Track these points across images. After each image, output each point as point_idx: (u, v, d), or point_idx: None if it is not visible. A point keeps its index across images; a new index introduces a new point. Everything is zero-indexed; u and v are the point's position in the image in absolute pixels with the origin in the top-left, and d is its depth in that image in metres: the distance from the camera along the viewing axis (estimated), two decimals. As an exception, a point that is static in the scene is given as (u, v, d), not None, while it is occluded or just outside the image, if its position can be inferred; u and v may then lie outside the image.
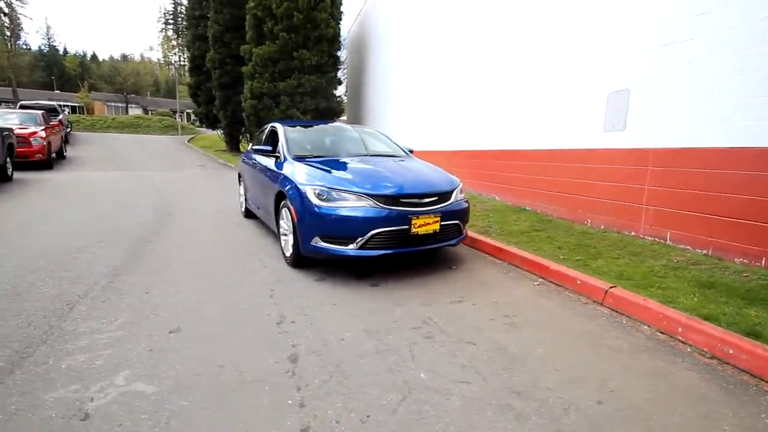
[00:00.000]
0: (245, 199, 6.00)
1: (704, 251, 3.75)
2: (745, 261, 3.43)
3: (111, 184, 9.47)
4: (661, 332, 2.55)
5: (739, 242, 3.49)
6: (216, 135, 23.54)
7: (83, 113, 39.64)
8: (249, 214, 6.02)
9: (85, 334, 2.49)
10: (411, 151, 5.08)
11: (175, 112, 41.59)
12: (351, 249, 3.29)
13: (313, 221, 3.38)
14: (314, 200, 3.38)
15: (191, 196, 8.17)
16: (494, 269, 3.84)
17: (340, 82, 15.92)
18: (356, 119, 16.18)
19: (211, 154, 19.33)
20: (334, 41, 15.43)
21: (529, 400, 1.89)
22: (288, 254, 3.84)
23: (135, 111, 44.21)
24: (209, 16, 18.65)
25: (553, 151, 5.54)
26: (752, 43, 3.36)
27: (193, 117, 49.58)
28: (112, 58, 56.24)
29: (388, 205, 3.31)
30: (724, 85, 3.60)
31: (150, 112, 43.95)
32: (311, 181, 3.54)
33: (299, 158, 4.16)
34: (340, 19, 15.61)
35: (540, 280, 3.51)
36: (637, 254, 3.92)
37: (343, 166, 3.92)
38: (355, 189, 3.36)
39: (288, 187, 3.71)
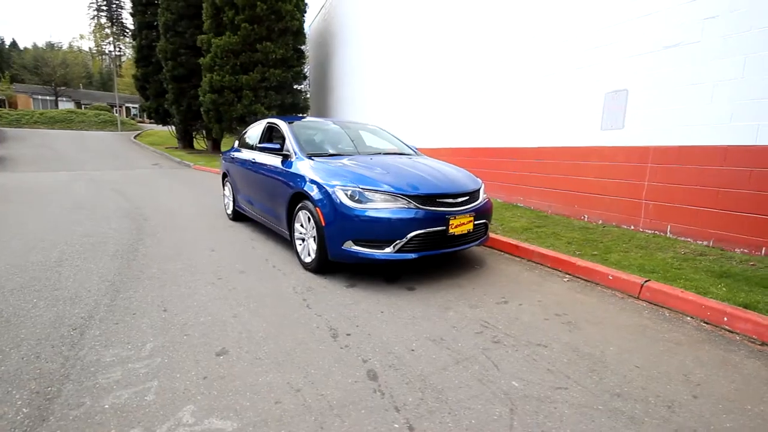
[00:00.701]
0: (233, 201, 5.60)
1: (706, 243, 4.02)
2: (746, 251, 3.72)
3: (63, 186, 8.51)
4: (705, 322, 2.68)
5: (739, 233, 3.78)
6: (167, 131, 21.97)
7: (5, 107, 35.38)
8: (238, 216, 5.64)
9: (114, 364, 2.15)
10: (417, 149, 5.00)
11: (113, 106, 38.29)
12: (388, 252, 3.14)
13: (345, 224, 3.19)
14: (347, 202, 3.19)
15: (159, 198, 7.53)
16: (518, 267, 3.86)
17: (305, 77, 15.44)
18: (321, 116, 15.78)
19: (164, 152, 18.05)
20: (299, 34, 14.92)
21: (630, 401, 1.88)
22: (308, 260, 3.61)
23: (66, 105, 40.07)
24: (158, 2, 17.29)
25: (549, 148, 5.70)
26: (754, 49, 3.62)
27: (134, 111, 45.99)
28: (36, 46, 50.52)
29: (425, 205, 3.20)
30: (723, 88, 3.86)
31: (84, 106, 40.10)
32: (339, 181, 3.33)
33: (312, 156, 3.93)
34: (305, 12, 15.12)
35: (568, 276, 3.58)
36: (643, 247, 4.12)
37: (365, 165, 3.73)
38: (390, 189, 3.20)
39: (310, 188, 3.47)
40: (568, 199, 5.43)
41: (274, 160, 4.31)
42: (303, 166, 3.77)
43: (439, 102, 8.11)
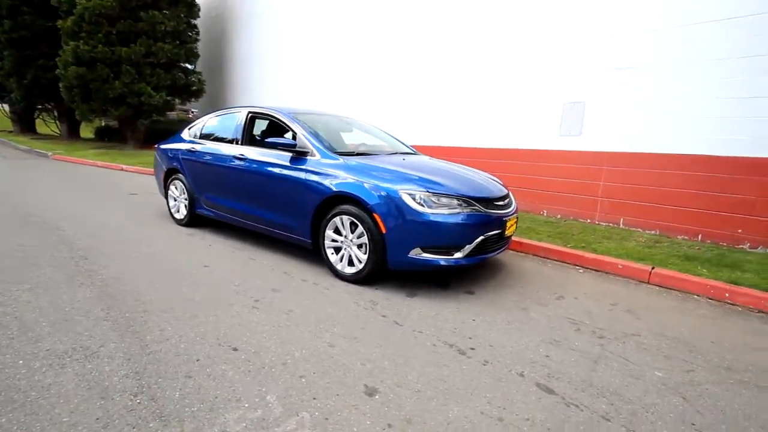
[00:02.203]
0: (190, 203, 4.68)
1: (653, 232, 4.97)
2: (686, 237, 4.73)
3: None
4: (710, 299, 3.34)
5: (680, 224, 4.78)
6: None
7: None
8: (195, 220, 4.75)
9: (250, 428, 1.65)
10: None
11: None
12: (457, 258, 3.06)
13: (414, 230, 2.98)
14: (416, 207, 2.98)
15: (48, 201, 5.84)
16: (532, 262, 4.16)
17: (198, 56, 13.54)
18: (217, 103, 14.15)
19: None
20: (193, 6, 13.05)
21: (740, 372, 2.26)
22: (350, 270, 3.27)
23: None
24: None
25: (512, 150, 6.23)
26: (692, 78, 4.57)
27: None
28: None
29: (488, 208, 3.20)
30: (666, 106, 4.79)
31: None
32: (402, 184, 3.08)
33: (343, 155, 3.54)
34: (199, -19, 13.24)
35: (581, 268, 4.02)
36: (609, 238, 4.87)
37: (411, 166, 3.53)
38: (459, 193, 3.12)
39: (360, 191, 3.13)
40: (527, 196, 6.05)
41: (280, 158, 3.75)
42: (337, 166, 3.37)
43: (402, 98, 8.09)
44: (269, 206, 3.83)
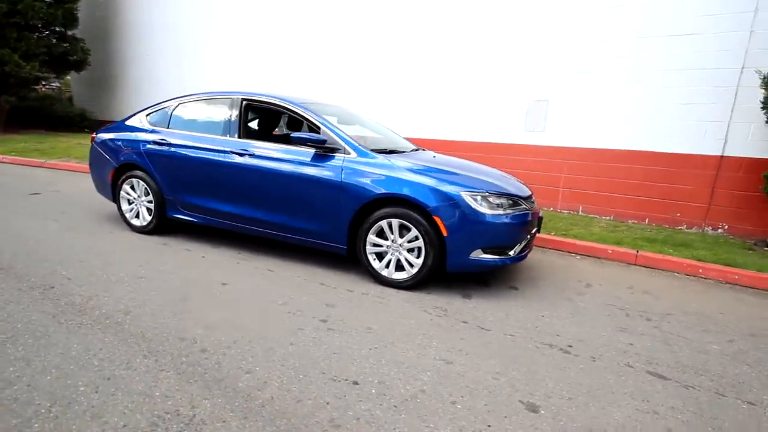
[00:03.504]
0: (158, 205, 3.90)
1: (608, 217, 5.70)
2: (635, 222, 5.53)
3: None
4: (687, 275, 3.98)
5: (629, 210, 5.57)
6: None
7: None
8: (162, 225, 4.00)
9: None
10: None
11: None
12: (512, 256, 3.11)
13: (476, 232, 2.93)
14: (477, 208, 2.91)
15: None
16: (534, 252, 4.44)
17: (77, 19, 11.08)
18: (103, 80, 11.96)
19: None
20: (72, -43, 10.55)
21: (765, 337, 2.76)
22: (400, 276, 3.09)
23: None
24: None
25: (478, 143, 6.49)
26: (643, 82, 5.28)
27: None
28: None
29: (529, 207, 3.29)
30: (619, 108, 5.47)
31: None
32: (456, 185, 2.97)
33: (380, 154, 3.28)
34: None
35: (578, 255, 4.42)
36: (575, 224, 5.45)
37: (451, 164, 3.45)
38: (507, 192, 3.14)
39: (417, 193, 2.95)
40: (493, 187, 6.40)
41: (298, 155, 3.33)
42: (379, 166, 3.11)
43: (369, 87, 7.72)
44: (287, 210, 3.39)
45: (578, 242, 4.49)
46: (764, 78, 4.14)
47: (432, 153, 4.01)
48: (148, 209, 4.03)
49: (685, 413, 1.92)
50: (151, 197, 3.97)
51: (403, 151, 3.67)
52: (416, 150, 3.97)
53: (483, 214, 2.94)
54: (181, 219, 3.91)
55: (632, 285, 3.62)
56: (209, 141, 3.68)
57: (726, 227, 4.98)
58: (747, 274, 3.77)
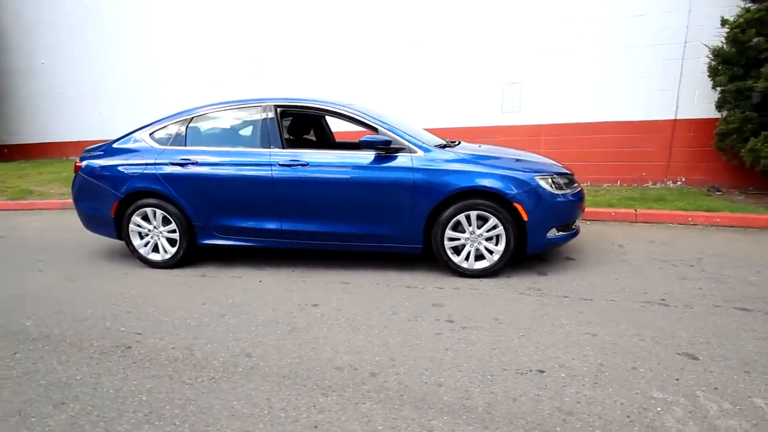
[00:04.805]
0: (185, 234, 3.47)
1: (586, 183, 6.33)
2: (609, 184, 6.23)
3: None
4: (680, 224, 4.64)
5: (602, 174, 6.25)
6: None
7: None
8: (189, 255, 3.59)
9: None
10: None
11: None
12: (574, 231, 3.37)
13: (551, 213, 3.14)
14: (551, 190, 3.11)
15: None
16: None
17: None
18: None
19: None
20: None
21: (776, 265, 3.39)
22: (481, 265, 3.18)
23: None
24: None
25: (456, 128, 6.70)
26: (605, 59, 5.91)
27: None
28: None
29: (578, 183, 3.56)
30: (587, 85, 6.07)
31: None
32: (524, 171, 3.13)
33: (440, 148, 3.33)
34: None
35: (587, 221, 4.88)
36: (562, 193, 6.01)
37: (505, 153, 3.62)
38: (566, 172, 3.37)
39: (497, 184, 3.04)
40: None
41: (356, 159, 3.20)
42: (450, 160, 3.14)
43: (343, 75, 7.41)
44: (352, 218, 3.25)
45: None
46: (712, 49, 4.94)
47: (469, 143, 4.13)
48: (170, 240, 3.56)
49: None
50: (173, 226, 3.50)
51: (447, 144, 3.72)
52: (454, 141, 4.05)
53: (555, 195, 3.14)
54: (216, 245, 3.52)
55: (651, 240, 4.14)
56: (247, 155, 3.34)
57: (683, 179, 5.89)
58: (725, 215, 4.53)
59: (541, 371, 2.04)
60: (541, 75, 6.26)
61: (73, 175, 3.74)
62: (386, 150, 3.17)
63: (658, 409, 1.77)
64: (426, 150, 3.19)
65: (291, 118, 3.85)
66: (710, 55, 4.99)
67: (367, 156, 3.22)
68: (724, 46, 4.77)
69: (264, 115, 3.39)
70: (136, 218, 3.54)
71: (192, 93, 8.31)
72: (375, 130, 3.26)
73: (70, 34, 9.41)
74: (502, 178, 3.08)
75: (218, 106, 3.54)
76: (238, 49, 8.00)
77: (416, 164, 3.13)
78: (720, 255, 3.63)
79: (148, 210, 3.51)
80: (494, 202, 3.09)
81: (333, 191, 3.22)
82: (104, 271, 3.65)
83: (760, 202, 5.05)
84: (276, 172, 3.25)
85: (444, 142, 3.60)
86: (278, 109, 3.39)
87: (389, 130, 3.23)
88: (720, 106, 5.11)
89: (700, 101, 5.54)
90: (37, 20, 9.68)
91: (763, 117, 4.62)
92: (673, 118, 5.75)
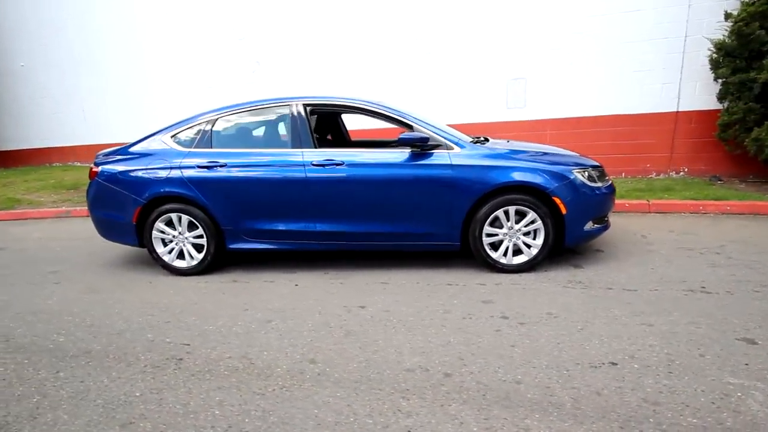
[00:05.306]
0: (213, 239, 3.36)
1: (591, 176, 6.45)
2: (614, 176, 6.32)
3: None
4: (692, 213, 4.77)
5: (608, 167, 6.30)
6: None
7: None
8: (217, 260, 3.48)
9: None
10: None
11: None
12: (607, 222, 3.41)
13: (588, 205, 3.17)
14: (587, 182, 3.15)
15: None
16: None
17: None
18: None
19: None
20: None
21: (796, 249, 3.51)
22: (520, 260, 3.20)
23: None
24: None
25: (463, 124, 6.71)
26: (607, 54, 6.01)
27: None
28: None
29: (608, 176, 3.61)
30: (588, 79, 6.16)
31: None
32: (560, 165, 3.16)
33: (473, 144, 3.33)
34: None
35: (601, 212, 4.96)
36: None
37: (538, 147, 3.65)
38: (598, 165, 3.40)
39: (536, 179, 3.05)
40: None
41: (392, 157, 3.17)
42: (488, 156, 3.14)
43: (354, 72, 7.29)
44: (390, 217, 3.21)
45: (598, 202, 5.06)
46: (715, 43, 5.09)
47: (497, 139, 4.12)
48: (196, 246, 3.43)
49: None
50: (199, 231, 3.37)
51: (477, 140, 3.70)
52: (479, 137, 4.04)
53: (592, 188, 3.18)
54: (246, 249, 3.42)
55: (672, 229, 4.24)
56: (278, 155, 3.25)
57: (686, 170, 6.06)
58: (735, 204, 4.68)
59: (614, 363, 2.05)
60: (545, 71, 6.33)
61: (89, 181, 3.56)
62: (423, 147, 3.13)
63: (739, 394, 1.80)
64: (462, 146, 3.17)
65: (315, 117, 3.77)
66: (712, 48, 5.15)
67: (401, 153, 3.18)
68: (727, 39, 4.92)
69: (293, 114, 3.30)
70: (160, 224, 3.40)
71: (185, 94, 8.09)
72: (410, 127, 3.21)
73: (55, 35, 9.00)
74: (540, 172, 3.09)
75: (244, 107, 3.43)
76: (233, 49, 7.80)
77: (454, 161, 3.10)
78: (740, 242, 3.74)
79: (173, 215, 3.37)
80: (533, 196, 3.10)
81: (370, 190, 3.16)
82: (126, 280, 3.49)
83: (761, 189, 5.24)
84: (310, 173, 3.17)
85: (473, 139, 3.58)
86: (307, 108, 3.31)
87: (425, 127, 3.19)
88: (722, 97, 5.28)
89: (701, 93, 5.71)
90: (21, 20, 9.22)
91: (766, 108, 4.79)
92: (675, 110, 5.90)
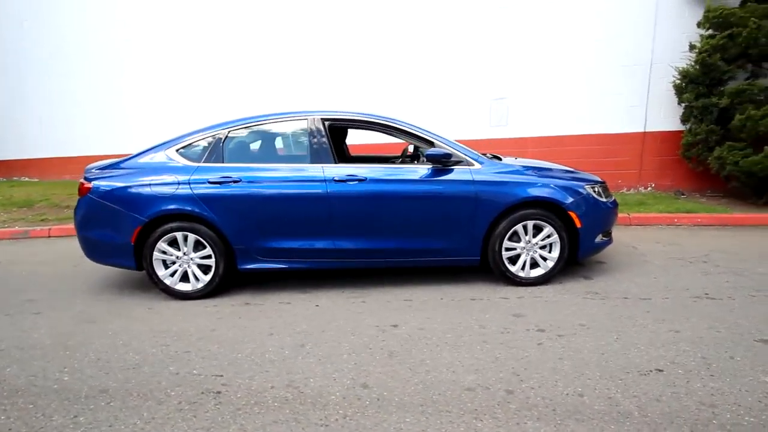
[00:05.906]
0: (221, 259, 3.17)
1: (569, 191, 6.80)
2: (590, 191, 6.74)
3: None
4: (668, 225, 5.14)
5: (583, 183, 6.76)
6: None
7: None
8: (225, 282, 3.29)
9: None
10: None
11: None
12: (611, 237, 3.58)
13: (599, 219, 3.34)
14: (598, 197, 3.32)
15: None
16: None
17: None
18: None
19: None
20: None
21: (770, 257, 3.87)
22: (536, 273, 3.28)
23: None
24: None
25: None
26: (583, 78, 6.44)
27: None
28: None
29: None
30: (565, 100, 6.56)
31: None
32: (573, 180, 3.32)
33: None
34: None
35: (588, 225, 5.22)
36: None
37: (546, 164, 3.83)
38: (603, 181, 3.59)
39: (554, 194, 3.18)
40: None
41: (412, 173, 3.18)
42: (507, 172, 3.24)
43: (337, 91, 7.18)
44: (411, 233, 3.19)
45: (584, 215, 5.34)
46: (680, 71, 5.61)
47: (507, 156, 4.24)
48: (202, 267, 3.21)
49: (829, 316, 2.68)
50: (207, 251, 3.16)
51: (499, 157, 3.79)
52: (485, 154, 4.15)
53: (602, 202, 3.36)
54: (259, 269, 3.24)
55: (657, 240, 4.55)
56: (297, 170, 3.14)
57: (653, 185, 6.56)
58: (704, 216, 5.13)
59: (660, 370, 2.14)
60: (526, 91, 6.67)
61: (78, 197, 3.24)
62: (446, 163, 3.16)
63: (782, 393, 1.94)
64: (482, 162, 3.24)
65: (337, 132, 3.72)
66: (677, 75, 5.68)
67: (422, 169, 3.19)
68: (691, 67, 5.46)
69: (311, 129, 3.22)
70: (162, 244, 3.15)
71: (165, 104, 7.69)
72: (431, 144, 3.24)
73: (18, 40, 8.24)
74: (557, 188, 3.22)
75: (258, 120, 3.30)
76: (217, 57, 7.54)
77: (476, 177, 3.16)
78: (721, 251, 4.08)
79: (179, 234, 3.14)
80: (550, 211, 3.21)
81: (393, 206, 3.13)
82: (121, 307, 3.18)
83: (721, 203, 5.78)
84: (331, 188, 3.09)
85: (490, 156, 3.69)
86: (326, 123, 3.25)
87: (447, 144, 3.24)
88: (685, 119, 5.82)
89: (666, 115, 6.26)
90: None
91: (725, 129, 5.33)
92: (642, 130, 6.42)
